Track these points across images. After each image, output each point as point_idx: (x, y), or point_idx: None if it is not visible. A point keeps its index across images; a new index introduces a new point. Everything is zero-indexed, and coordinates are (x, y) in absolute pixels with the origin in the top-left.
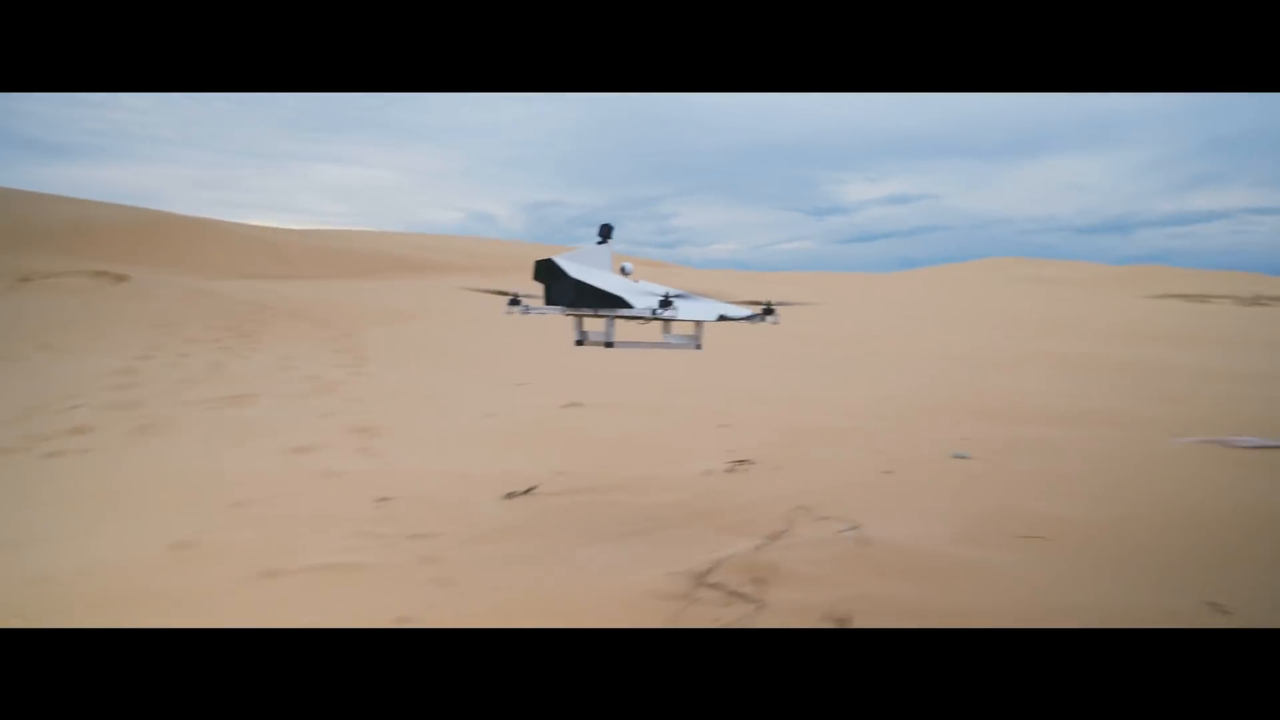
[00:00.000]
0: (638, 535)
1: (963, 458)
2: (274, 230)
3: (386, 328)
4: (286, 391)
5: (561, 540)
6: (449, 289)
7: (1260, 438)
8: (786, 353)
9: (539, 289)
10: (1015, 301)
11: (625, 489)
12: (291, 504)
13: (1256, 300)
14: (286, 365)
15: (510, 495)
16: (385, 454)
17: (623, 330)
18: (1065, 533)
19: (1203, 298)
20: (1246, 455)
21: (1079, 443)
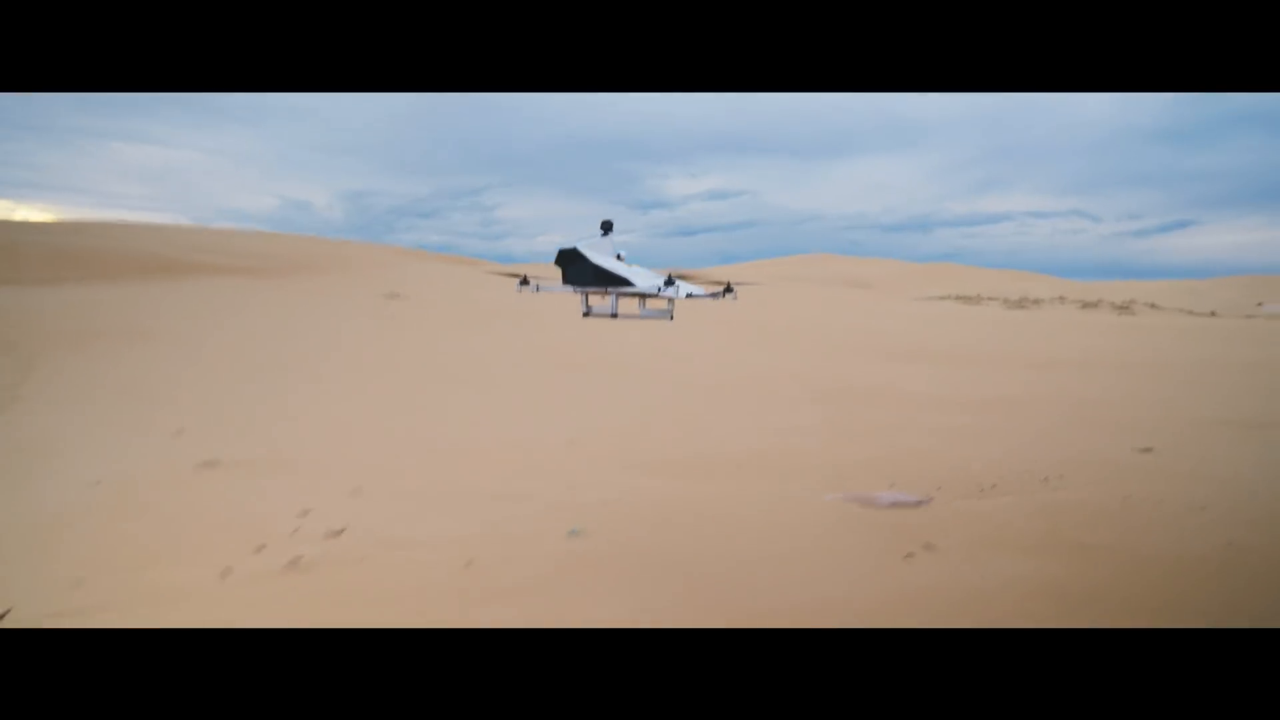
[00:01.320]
0: None
1: (576, 534)
2: (8, 224)
3: (79, 352)
4: None
5: None
6: (177, 296)
7: (899, 493)
8: (493, 373)
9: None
10: (790, 305)
11: (99, 606)
12: None
13: (1021, 302)
14: None
15: None
16: None
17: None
18: None
19: (976, 299)
20: (878, 518)
21: (725, 504)
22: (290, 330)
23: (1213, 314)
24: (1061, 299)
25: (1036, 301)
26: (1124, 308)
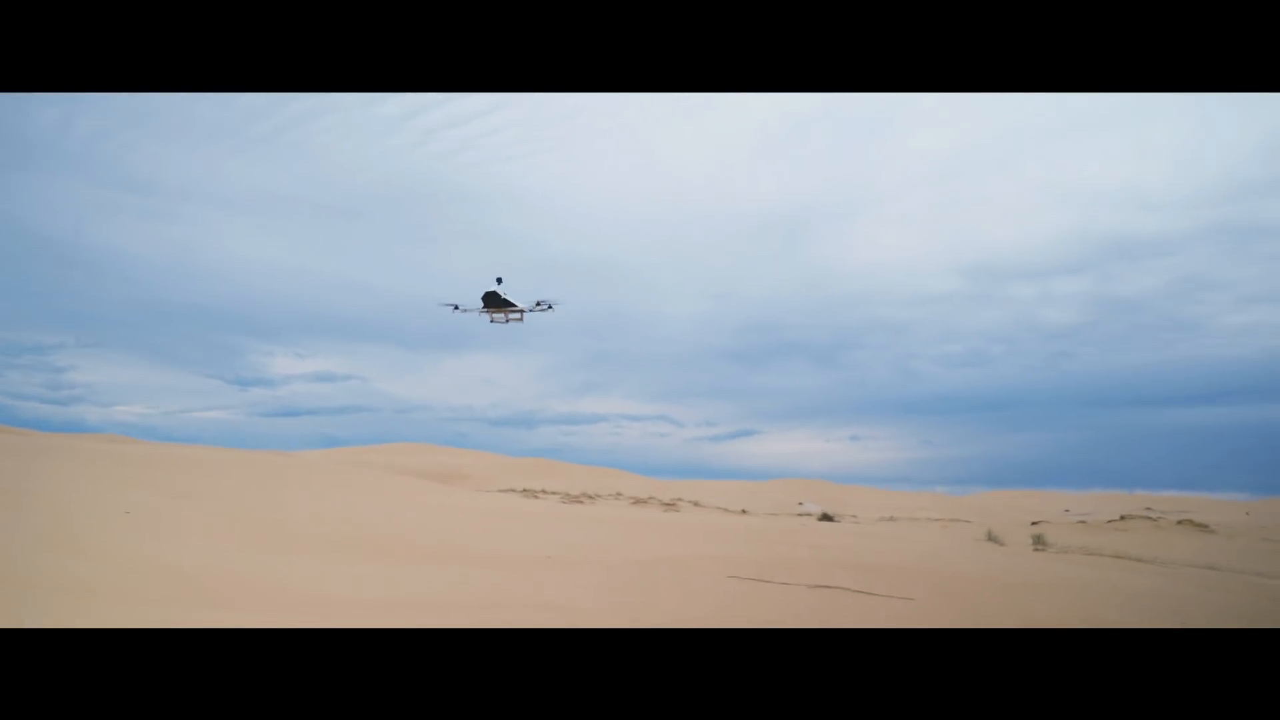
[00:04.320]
0: None
1: None
2: None
3: None
4: None
5: None
6: None
7: None
8: None
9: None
10: (308, 493)
11: None
12: None
13: (579, 498)
14: None
15: None
16: None
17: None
18: None
19: (540, 493)
20: None
21: None
22: None
23: (743, 511)
24: (618, 495)
25: (593, 497)
26: (670, 505)
